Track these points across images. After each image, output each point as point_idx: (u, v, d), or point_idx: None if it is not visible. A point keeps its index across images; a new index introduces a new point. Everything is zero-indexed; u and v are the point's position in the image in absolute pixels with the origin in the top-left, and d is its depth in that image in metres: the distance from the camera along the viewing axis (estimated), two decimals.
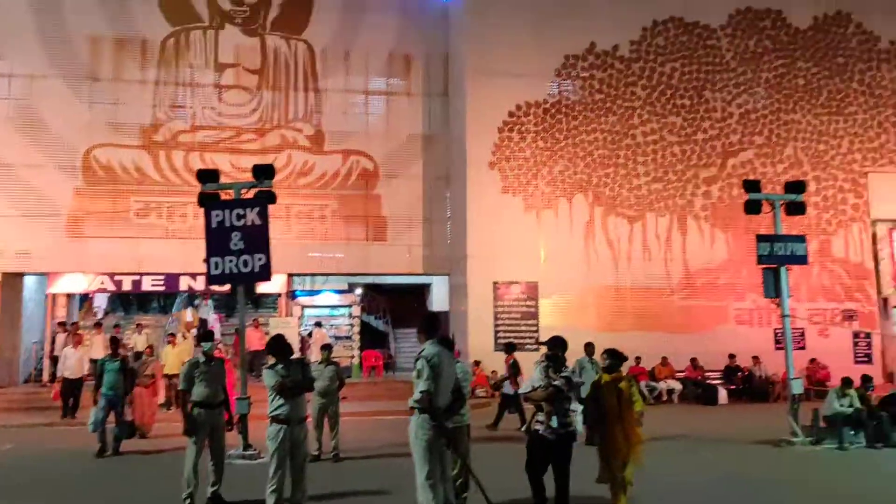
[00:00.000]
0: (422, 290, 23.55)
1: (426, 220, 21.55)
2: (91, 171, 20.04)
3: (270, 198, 12.56)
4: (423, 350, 6.92)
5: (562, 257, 19.99)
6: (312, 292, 21.56)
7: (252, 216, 12.21)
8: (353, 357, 21.22)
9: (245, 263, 12.00)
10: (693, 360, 19.25)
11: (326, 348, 11.88)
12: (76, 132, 19.92)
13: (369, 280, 22.40)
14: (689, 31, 21.37)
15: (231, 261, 12.00)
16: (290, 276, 20.96)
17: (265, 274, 12.16)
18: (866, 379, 12.87)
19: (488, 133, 20.15)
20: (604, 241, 20.39)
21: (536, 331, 19.34)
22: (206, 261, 12.11)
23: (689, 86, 21.21)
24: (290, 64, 21.35)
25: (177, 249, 19.50)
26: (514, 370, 13.89)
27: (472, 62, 20.29)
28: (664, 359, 19.08)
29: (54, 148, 19.74)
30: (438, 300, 22.75)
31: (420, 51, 21.98)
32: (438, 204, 21.70)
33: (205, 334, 9.95)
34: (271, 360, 8.02)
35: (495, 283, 19.78)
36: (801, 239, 13.16)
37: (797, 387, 12.68)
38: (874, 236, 21.34)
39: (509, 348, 14.77)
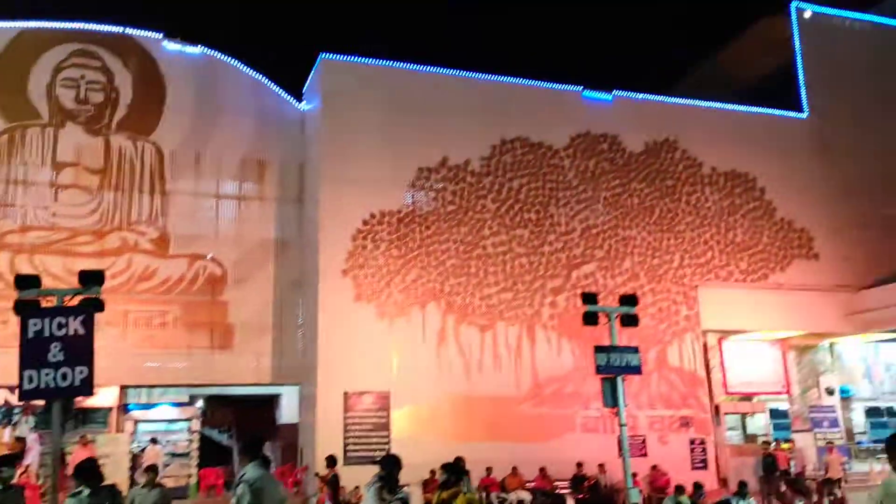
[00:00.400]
0: (271, 402, 22.52)
1: (276, 327, 20.95)
2: None
3: (97, 305, 11.70)
4: (244, 474, 6.50)
5: (414, 366, 19.84)
6: (148, 405, 20.06)
7: (75, 325, 11.30)
8: (190, 476, 19.70)
9: (64, 377, 10.99)
10: (542, 470, 19.29)
11: (151, 469, 10.94)
12: None
13: (214, 391, 21.19)
14: (534, 151, 22.64)
15: (48, 374, 10.96)
16: (124, 388, 19.49)
17: (86, 388, 11.14)
18: (697, 486, 13.34)
19: (342, 240, 20.11)
20: (456, 349, 20.47)
21: (388, 442, 18.87)
22: (20, 374, 11.02)
23: (535, 201, 22.26)
24: (135, 165, 20.64)
25: None
26: (333, 486, 13.32)
27: (327, 170, 20.42)
28: (514, 469, 19.01)
29: None
30: (288, 412, 21.83)
31: (275, 156, 21.97)
32: (290, 311, 21.20)
33: (3, 458, 8.88)
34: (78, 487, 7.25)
35: (346, 392, 19.25)
36: (634, 350, 13.76)
37: (634, 496, 12.94)
38: (705, 346, 22.76)
39: (330, 461, 14.13)
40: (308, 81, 22.32)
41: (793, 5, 26.86)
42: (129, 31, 21.31)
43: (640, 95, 24.38)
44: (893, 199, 25.68)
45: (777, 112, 25.73)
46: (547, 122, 22.85)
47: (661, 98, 24.79)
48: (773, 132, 25.22)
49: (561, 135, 22.97)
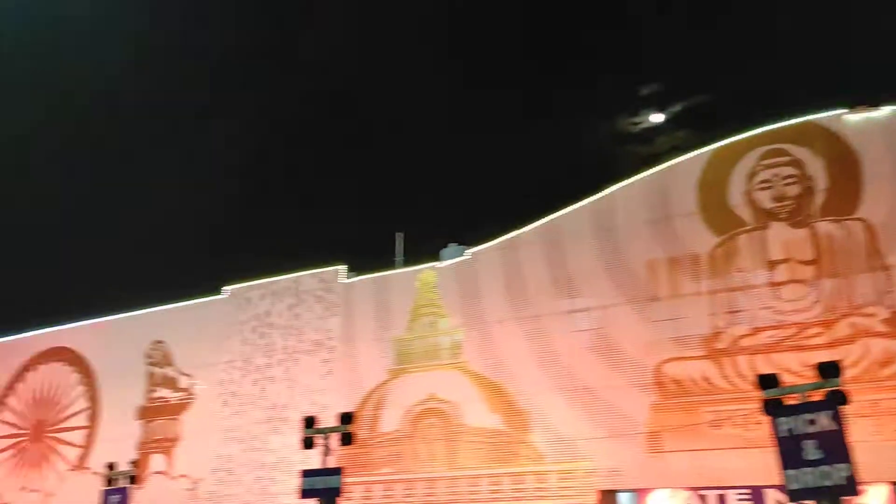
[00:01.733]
0: None
1: None
2: (663, 386, 21.09)
3: (841, 398, 11.38)
4: None
5: None
6: None
7: (825, 421, 11.18)
8: None
9: (824, 476, 10.84)
10: None
11: None
12: (644, 351, 21.50)
13: None
14: None
15: (808, 473, 11.00)
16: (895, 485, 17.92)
17: (850, 488, 10.75)
18: None
19: None
20: None
21: None
22: (782, 474, 11.34)
23: None
24: (846, 247, 19.86)
25: (758, 460, 18.50)
26: None
27: None
28: None
29: (627, 368, 21.56)
30: None
31: None
32: None
33: None
34: None
35: None
36: None
37: None
38: None
39: None
40: None
41: None
42: (809, 117, 21.30)
43: None
44: None
45: None
46: None
47: None
48: None
49: None
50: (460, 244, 26.24)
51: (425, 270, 26.04)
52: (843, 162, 20.45)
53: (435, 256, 26.55)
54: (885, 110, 20.28)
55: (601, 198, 23.65)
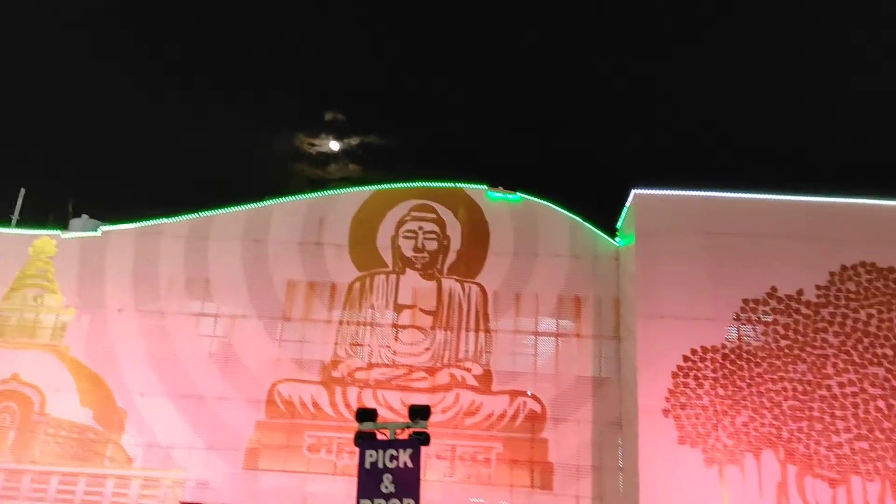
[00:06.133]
0: None
1: (595, 468, 20.30)
2: (273, 405, 21.22)
3: (424, 440, 12.40)
4: None
5: None
6: None
7: (404, 458, 12.07)
8: None
9: None
10: None
11: None
12: (264, 368, 21.51)
13: None
14: (884, 277, 19.86)
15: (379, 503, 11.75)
16: None
17: None
18: None
19: (661, 378, 19.17)
20: None
21: None
22: (357, 502, 11.95)
23: (890, 334, 19.29)
24: (463, 306, 22.20)
25: (344, 487, 19.45)
26: None
27: (643, 306, 19.93)
28: None
29: (244, 382, 21.34)
30: None
31: (591, 293, 22.11)
32: (609, 451, 20.49)
33: None
34: None
35: None
36: None
37: None
38: None
39: None
40: (621, 217, 22.43)
41: None
42: (459, 185, 23.59)
43: None
44: None
45: None
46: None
47: None
48: None
49: None
50: (94, 218, 23.88)
51: (44, 237, 23.12)
52: (477, 231, 22.97)
53: (62, 225, 23.81)
54: (518, 195, 23.28)
55: (259, 209, 23.41)
